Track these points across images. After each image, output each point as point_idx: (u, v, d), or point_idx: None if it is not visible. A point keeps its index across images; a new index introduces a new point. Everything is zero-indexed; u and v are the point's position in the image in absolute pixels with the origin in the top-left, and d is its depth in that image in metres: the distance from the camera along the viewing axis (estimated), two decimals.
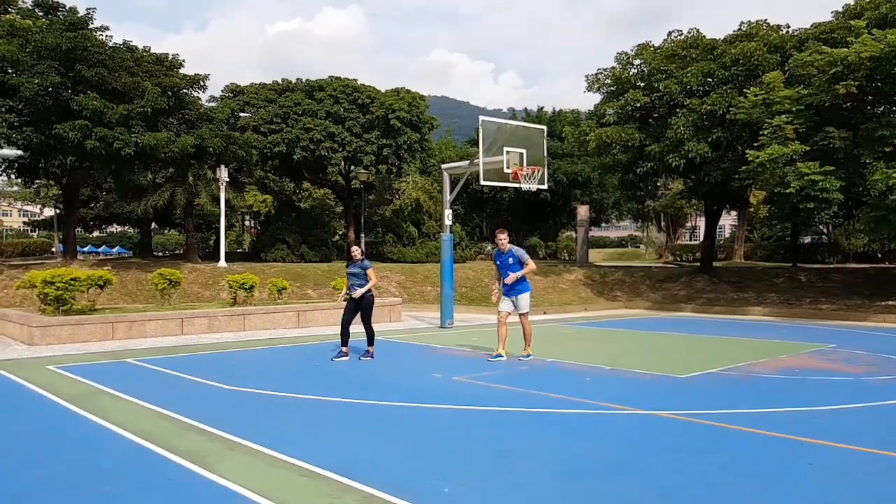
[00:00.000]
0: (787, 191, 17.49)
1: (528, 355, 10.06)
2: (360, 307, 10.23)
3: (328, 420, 6.44)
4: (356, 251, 10.43)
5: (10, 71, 19.31)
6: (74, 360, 10.11)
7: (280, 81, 33.77)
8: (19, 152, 22.43)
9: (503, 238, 10.07)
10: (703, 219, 32.43)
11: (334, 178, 34.91)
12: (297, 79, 33.99)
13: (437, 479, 4.54)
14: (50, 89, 19.48)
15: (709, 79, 22.09)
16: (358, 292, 10.09)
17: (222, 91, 33.16)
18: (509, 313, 10.13)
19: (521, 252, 10.07)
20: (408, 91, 33.34)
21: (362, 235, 32.03)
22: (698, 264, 28.24)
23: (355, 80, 33.44)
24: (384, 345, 11.78)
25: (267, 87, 33.24)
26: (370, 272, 10.22)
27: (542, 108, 46.26)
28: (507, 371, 9.12)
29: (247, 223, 52.68)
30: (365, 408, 6.96)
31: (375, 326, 10.64)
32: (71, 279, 12.84)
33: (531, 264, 10.08)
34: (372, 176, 32.04)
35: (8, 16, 20.06)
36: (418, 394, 7.64)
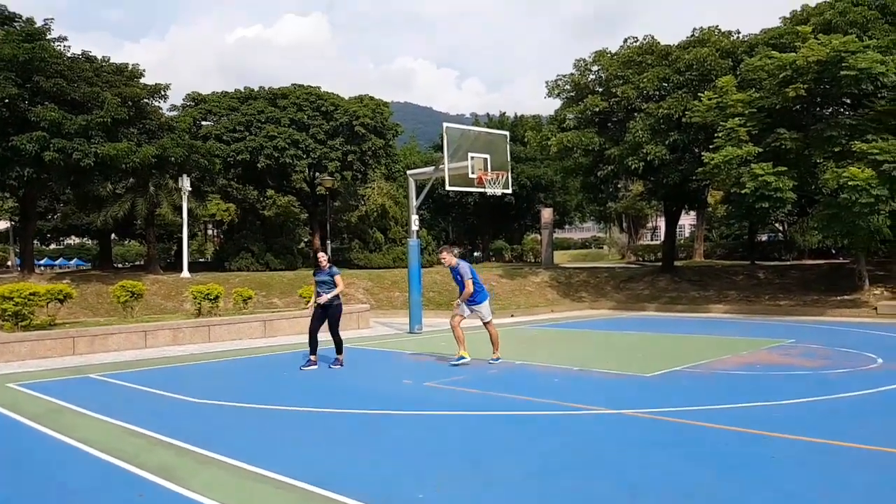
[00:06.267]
0: (743, 191, 17.96)
1: (498, 359, 10.17)
2: (328, 315, 10.21)
3: (300, 430, 6.44)
4: (322, 258, 10.42)
5: None
6: (35, 377, 9.87)
7: (242, 90, 33.43)
8: None
9: (445, 257, 10.12)
10: (663, 219, 33.03)
11: (299, 186, 34.65)
12: (260, 87, 33.71)
13: (412, 485, 4.59)
14: (6, 101, 19.02)
15: (664, 83, 22.61)
16: (323, 298, 10.07)
17: (184, 100, 32.69)
18: (464, 317, 10.21)
19: (462, 268, 9.92)
20: (371, 98, 33.34)
21: (328, 242, 31.83)
22: (660, 264, 28.77)
23: (318, 88, 33.29)
24: (353, 352, 11.77)
25: (229, 95, 32.88)
26: (338, 279, 10.22)
27: (503, 112, 46.84)
28: (478, 375, 9.20)
29: (209, 232, 51.92)
30: (337, 417, 6.97)
31: (344, 333, 10.62)
32: (30, 294, 12.51)
33: (470, 283, 9.89)
34: (337, 182, 31.89)
35: None
36: (390, 401, 7.67)
